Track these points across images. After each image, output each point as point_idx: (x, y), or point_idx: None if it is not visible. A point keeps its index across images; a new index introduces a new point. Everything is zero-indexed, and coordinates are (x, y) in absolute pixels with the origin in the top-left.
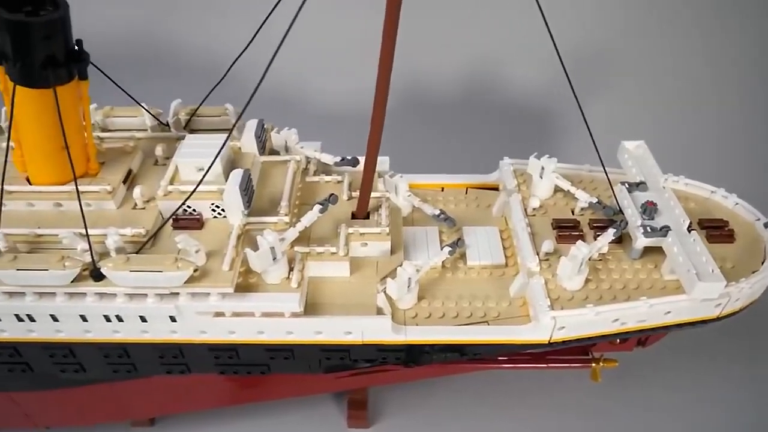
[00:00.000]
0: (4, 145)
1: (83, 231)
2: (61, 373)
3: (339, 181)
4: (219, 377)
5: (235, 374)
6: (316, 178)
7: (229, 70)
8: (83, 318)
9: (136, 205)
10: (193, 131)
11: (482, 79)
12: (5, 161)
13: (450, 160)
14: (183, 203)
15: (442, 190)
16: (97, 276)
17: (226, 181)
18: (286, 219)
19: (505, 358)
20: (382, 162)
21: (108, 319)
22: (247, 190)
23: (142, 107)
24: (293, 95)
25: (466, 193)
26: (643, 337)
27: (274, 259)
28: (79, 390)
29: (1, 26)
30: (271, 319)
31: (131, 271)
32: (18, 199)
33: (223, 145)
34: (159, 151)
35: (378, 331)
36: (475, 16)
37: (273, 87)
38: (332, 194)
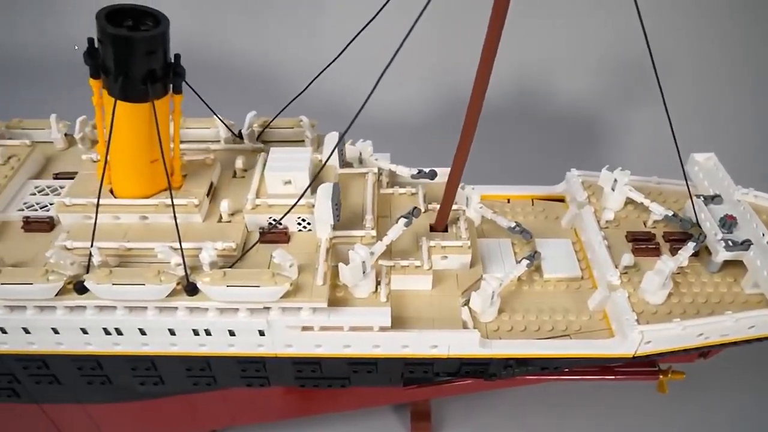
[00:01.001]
0: (86, 156)
1: (175, 244)
2: (140, 386)
3: (413, 194)
4: (282, 389)
5: (314, 387)
6: (390, 190)
7: (309, 85)
8: (171, 332)
9: (221, 218)
10: (265, 143)
11: (530, 89)
12: (102, 175)
13: (498, 170)
14: (284, 215)
15: (508, 201)
16: (192, 290)
17: (312, 194)
18: (373, 233)
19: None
20: (446, 174)
21: (196, 333)
22: (337, 203)
23: (218, 118)
24: (338, 105)
25: (533, 204)
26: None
27: (364, 273)
28: (150, 402)
29: (106, 40)
30: (358, 333)
31: (228, 286)
32: (104, 212)
33: (326, 162)
34: (239, 163)
35: (465, 345)
36: (523, 25)
37: (322, 96)
38: (415, 207)
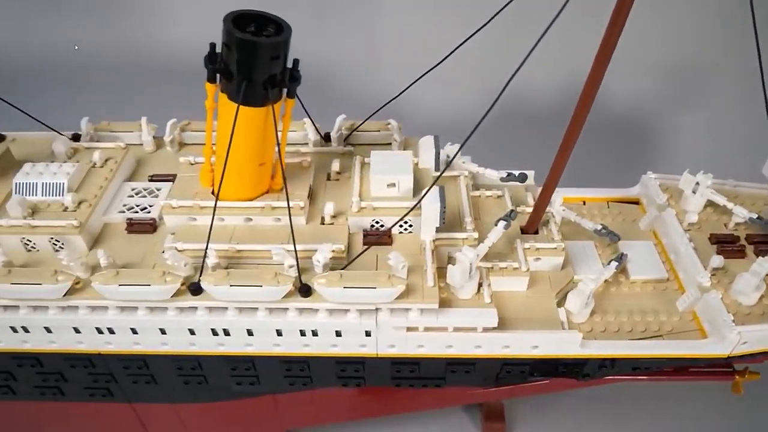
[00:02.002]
0: (183, 159)
1: (288, 246)
2: (236, 385)
3: (499, 196)
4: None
5: (409, 387)
6: (477, 193)
7: (404, 91)
8: (278, 332)
9: (323, 220)
10: (351, 146)
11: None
12: (221, 179)
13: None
14: (402, 218)
15: (584, 203)
16: (306, 292)
17: (413, 197)
18: (475, 234)
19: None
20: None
21: (303, 333)
22: (444, 207)
23: (311, 120)
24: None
25: (608, 206)
26: None
27: (470, 274)
28: (238, 402)
29: (231, 45)
30: (461, 334)
31: (345, 287)
32: (208, 214)
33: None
34: (336, 166)
35: (566, 345)
36: (575, 29)
37: (368, 96)
38: (513, 210)
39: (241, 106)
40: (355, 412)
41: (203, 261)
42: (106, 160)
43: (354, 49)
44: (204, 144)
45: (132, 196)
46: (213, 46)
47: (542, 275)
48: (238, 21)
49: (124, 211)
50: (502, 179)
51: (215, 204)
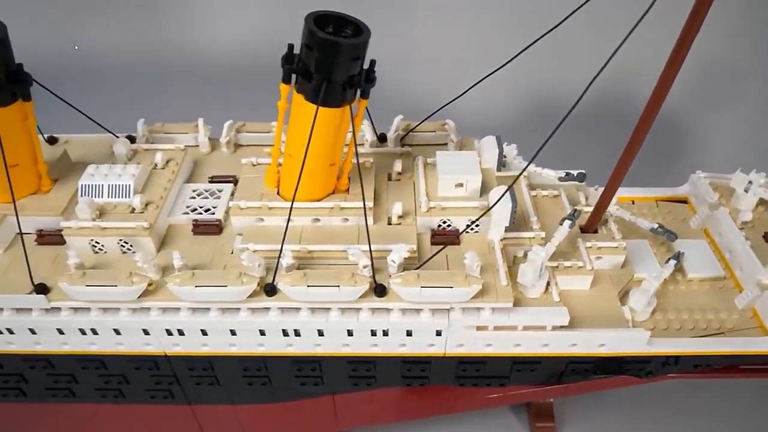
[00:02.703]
0: (246, 160)
1: (363, 247)
2: (300, 386)
3: (555, 196)
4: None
5: (473, 386)
6: (533, 192)
7: (466, 91)
8: (349, 333)
9: (390, 220)
10: (406, 146)
11: (613, 90)
12: (297, 181)
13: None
14: (478, 218)
15: (633, 203)
16: (381, 291)
17: (481, 197)
18: (542, 234)
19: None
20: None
21: (374, 333)
22: (514, 207)
23: (370, 121)
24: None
25: (657, 205)
26: None
27: (540, 273)
28: (298, 403)
29: (313, 45)
30: (530, 333)
31: (422, 287)
32: (277, 215)
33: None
34: (398, 167)
35: (633, 343)
36: (611, 27)
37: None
38: (576, 209)
39: (311, 105)
40: (407, 413)
41: (277, 262)
42: (167, 162)
43: (390, 50)
44: (271, 145)
45: (194, 198)
46: (291, 47)
47: (603, 274)
48: (318, 21)
49: (188, 213)
50: (560, 179)
51: (291, 205)
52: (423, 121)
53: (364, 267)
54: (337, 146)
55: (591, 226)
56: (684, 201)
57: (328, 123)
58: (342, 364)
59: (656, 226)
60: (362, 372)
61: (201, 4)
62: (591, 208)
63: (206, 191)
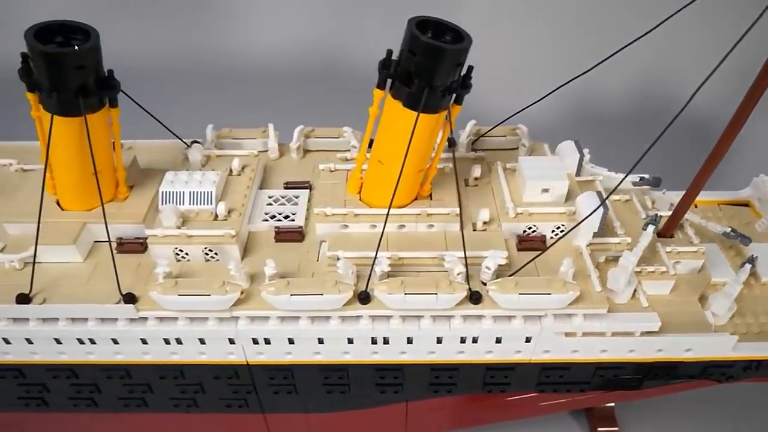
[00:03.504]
0: (324, 166)
1: (457, 253)
2: (380, 394)
3: (627, 200)
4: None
5: (553, 392)
6: None
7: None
8: (438, 340)
9: (474, 226)
10: (476, 150)
11: (652, 94)
12: (395, 190)
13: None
14: (574, 227)
15: (695, 206)
16: (477, 299)
17: (566, 202)
18: (628, 239)
19: None
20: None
21: (463, 340)
22: (606, 211)
23: (450, 126)
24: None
25: (720, 209)
26: None
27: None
28: (370, 411)
29: (416, 50)
30: (618, 338)
31: (521, 294)
32: (362, 222)
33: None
34: (477, 172)
35: (719, 348)
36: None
37: None
38: (657, 214)
39: (409, 112)
40: (472, 419)
41: (371, 269)
42: (243, 168)
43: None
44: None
45: (271, 204)
46: (390, 52)
47: (681, 278)
48: (418, 27)
49: (267, 220)
50: (634, 183)
51: (388, 211)
52: (496, 126)
53: (458, 274)
54: (428, 152)
55: (668, 231)
56: (746, 204)
57: (424, 129)
58: (425, 371)
59: (729, 230)
60: (444, 379)
61: (241, 9)
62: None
63: (282, 197)
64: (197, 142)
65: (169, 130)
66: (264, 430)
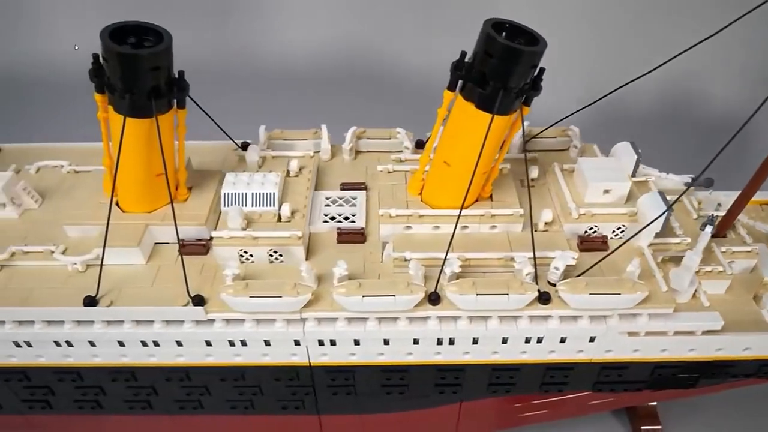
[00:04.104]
0: (382, 168)
1: (527, 254)
2: (439, 394)
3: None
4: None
5: (610, 391)
6: None
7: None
8: (503, 340)
9: (536, 227)
10: (527, 152)
11: (678, 94)
12: (467, 191)
13: None
14: (645, 227)
15: None
16: (545, 299)
17: (627, 203)
18: (688, 239)
19: None
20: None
21: (527, 340)
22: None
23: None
24: None
25: (762, 209)
26: None
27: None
28: (422, 412)
29: (494, 52)
30: (679, 337)
31: (591, 294)
32: (426, 223)
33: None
34: (534, 173)
35: None
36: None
37: None
38: (713, 215)
39: (484, 114)
40: (518, 420)
41: (440, 270)
42: (300, 169)
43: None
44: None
45: (329, 205)
46: (464, 54)
47: (735, 278)
48: (494, 29)
49: (327, 221)
50: (686, 184)
51: (459, 212)
52: (549, 126)
53: (527, 275)
54: (495, 154)
55: (721, 231)
56: None
57: (495, 131)
58: (486, 371)
59: None
60: (505, 379)
61: (271, 10)
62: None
63: (340, 198)
64: (247, 143)
65: (223, 131)
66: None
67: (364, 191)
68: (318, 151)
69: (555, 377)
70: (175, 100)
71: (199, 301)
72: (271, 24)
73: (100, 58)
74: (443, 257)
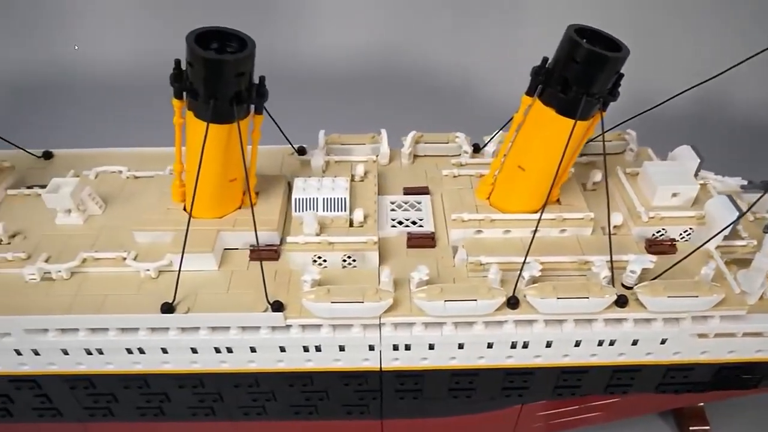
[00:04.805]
0: (447, 172)
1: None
2: (505, 398)
3: None
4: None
5: (673, 393)
6: None
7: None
8: (577, 343)
9: (604, 230)
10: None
11: (704, 96)
12: (548, 195)
13: None
14: (723, 230)
15: None
16: (623, 302)
17: (693, 206)
18: (754, 242)
19: None
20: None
21: (600, 343)
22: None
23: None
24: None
25: None
26: None
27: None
28: (481, 416)
29: (579, 58)
30: (748, 339)
31: (669, 296)
32: (497, 227)
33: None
34: (597, 177)
35: None
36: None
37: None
38: None
39: (567, 119)
40: (572, 422)
41: (519, 274)
42: (366, 173)
43: (494, 56)
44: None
45: (395, 210)
46: (546, 60)
47: None
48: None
49: (396, 226)
50: (742, 187)
51: (540, 216)
52: (608, 130)
53: (604, 278)
54: (572, 159)
55: None
56: None
57: (575, 136)
58: (555, 374)
59: None
60: (572, 381)
61: (308, 15)
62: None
63: (405, 203)
64: (303, 147)
65: (285, 136)
66: None
67: (428, 195)
68: (377, 156)
69: (621, 379)
70: (252, 106)
71: (278, 307)
72: (304, 28)
73: (182, 64)
74: (521, 261)
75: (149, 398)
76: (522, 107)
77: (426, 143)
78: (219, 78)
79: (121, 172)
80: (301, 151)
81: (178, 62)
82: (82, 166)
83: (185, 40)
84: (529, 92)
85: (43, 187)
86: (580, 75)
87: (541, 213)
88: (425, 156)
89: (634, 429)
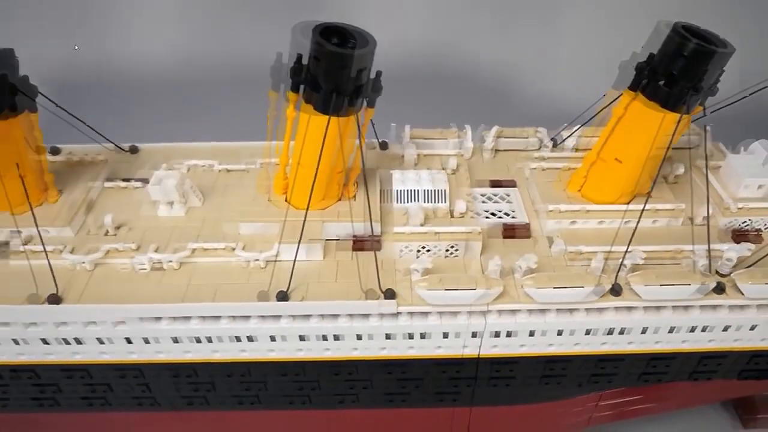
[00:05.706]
0: (543, 165)
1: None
2: (594, 384)
3: None
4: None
5: (755, 379)
6: None
7: None
8: (670, 330)
9: (694, 221)
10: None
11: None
12: (652, 187)
13: None
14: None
15: None
16: (720, 289)
17: None
18: None
19: None
20: None
21: (692, 329)
22: None
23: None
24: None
25: None
26: None
27: None
28: (556, 404)
29: (688, 53)
30: None
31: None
32: (592, 218)
33: None
34: (680, 170)
35: None
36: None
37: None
38: None
39: (673, 113)
40: (628, 413)
41: (620, 263)
42: (458, 167)
43: (534, 54)
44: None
45: (485, 202)
46: (651, 56)
47: None
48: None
49: (489, 217)
50: None
51: (643, 207)
52: (695, 120)
53: (702, 266)
54: (669, 151)
55: None
56: None
57: (665, 128)
58: (644, 361)
59: None
60: (661, 368)
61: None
62: None
63: (495, 195)
64: (386, 142)
65: (375, 131)
66: (465, 423)
67: (516, 188)
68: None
69: (708, 365)
70: (365, 100)
71: (391, 294)
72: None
73: (305, 58)
74: (618, 251)
75: (249, 386)
76: (622, 102)
77: (505, 138)
78: (342, 72)
79: (212, 165)
80: (383, 146)
81: (299, 57)
82: (163, 160)
83: (311, 33)
84: (632, 87)
85: (138, 180)
86: (688, 69)
87: (644, 205)
88: (505, 150)
89: (692, 416)
